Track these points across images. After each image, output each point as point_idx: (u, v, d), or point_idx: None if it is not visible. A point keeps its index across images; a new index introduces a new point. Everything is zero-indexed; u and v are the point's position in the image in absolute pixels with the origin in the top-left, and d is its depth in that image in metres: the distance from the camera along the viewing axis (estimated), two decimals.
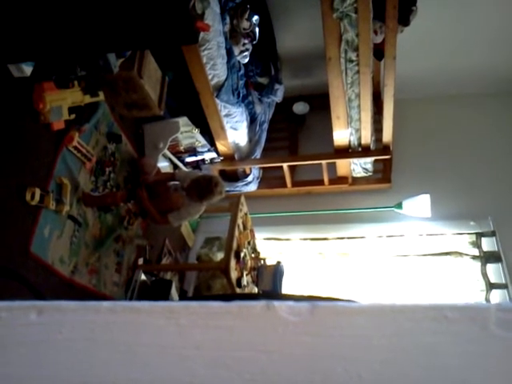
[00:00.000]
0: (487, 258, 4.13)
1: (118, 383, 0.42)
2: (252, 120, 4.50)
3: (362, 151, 4.37)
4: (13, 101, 2.45)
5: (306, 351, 0.40)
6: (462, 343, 0.39)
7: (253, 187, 4.71)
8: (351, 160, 4.48)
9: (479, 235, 4.24)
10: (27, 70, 2.39)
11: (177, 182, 3.37)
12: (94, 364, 0.43)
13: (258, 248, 4.26)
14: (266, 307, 0.42)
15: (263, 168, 4.80)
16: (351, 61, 3.60)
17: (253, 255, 4.01)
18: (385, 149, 4.39)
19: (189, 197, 3.16)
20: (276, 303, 0.42)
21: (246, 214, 3.95)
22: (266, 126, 4.70)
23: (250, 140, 4.56)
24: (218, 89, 3.76)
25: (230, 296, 3.29)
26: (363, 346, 0.40)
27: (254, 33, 4.01)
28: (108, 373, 0.43)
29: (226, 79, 3.77)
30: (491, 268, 4.08)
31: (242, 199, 3.91)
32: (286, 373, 0.40)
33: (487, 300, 3.98)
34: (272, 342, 0.41)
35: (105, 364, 0.43)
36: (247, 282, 3.66)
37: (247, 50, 3.99)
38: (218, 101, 3.84)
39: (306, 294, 3.76)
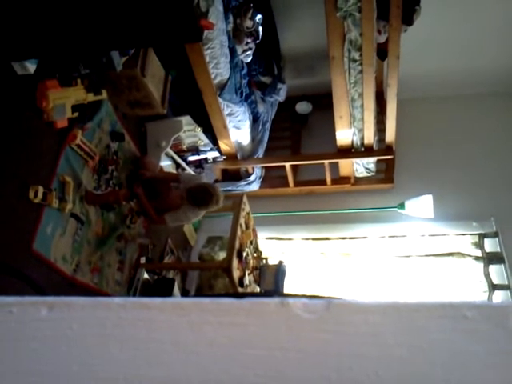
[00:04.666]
0: (490, 258, 4.12)
1: (130, 380, 0.42)
2: (255, 119, 4.50)
3: (365, 151, 4.36)
4: (16, 98, 2.44)
5: (322, 349, 0.40)
6: (480, 342, 0.39)
7: (255, 186, 4.70)
8: (354, 160, 4.47)
9: (482, 236, 4.23)
10: (31, 67, 2.39)
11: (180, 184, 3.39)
12: (105, 360, 0.43)
13: (260, 247, 4.26)
14: (280, 304, 0.42)
15: (266, 167, 4.79)
16: (354, 60, 3.59)
17: (255, 255, 4.01)
18: (388, 149, 4.38)
19: (187, 202, 3.22)
20: (290, 300, 0.42)
21: (248, 214, 3.95)
22: (268, 125, 4.70)
23: (253, 139, 4.56)
24: (221, 88, 3.76)
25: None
26: (380, 343, 0.40)
27: (257, 32, 4.00)
28: (119, 369, 0.42)
29: (228, 78, 3.76)
30: (494, 269, 4.07)
31: (245, 198, 3.91)
32: (301, 371, 0.39)
33: (490, 301, 3.97)
34: (286, 340, 0.41)
35: (116, 360, 0.43)
36: (249, 282, 3.65)
37: (250, 49, 3.98)
38: (220, 100, 3.83)
39: (308, 293, 3.75)
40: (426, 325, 0.40)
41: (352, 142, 4.30)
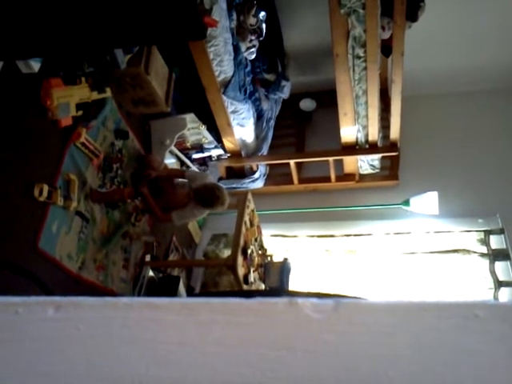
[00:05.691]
0: (495, 255, 4.10)
1: (137, 380, 0.41)
2: (259, 117, 4.49)
3: (370, 148, 4.35)
4: (21, 97, 2.45)
5: (331, 349, 0.39)
6: (492, 342, 0.38)
7: (259, 184, 4.70)
8: (358, 157, 4.46)
9: (487, 233, 4.21)
10: (35, 66, 2.39)
11: (185, 180, 3.39)
12: (112, 361, 0.43)
13: (265, 245, 4.25)
14: (289, 304, 0.41)
15: (270, 165, 4.78)
16: (359, 57, 3.58)
17: (260, 252, 4.00)
18: (392, 146, 4.37)
19: (193, 201, 3.24)
20: (299, 300, 0.41)
21: (252, 211, 3.95)
22: (272, 122, 4.69)
23: (257, 137, 4.55)
24: (225, 85, 3.75)
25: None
26: (389, 343, 0.39)
27: (261, 29, 3.99)
28: (127, 370, 0.42)
29: (232, 75, 3.76)
30: (499, 266, 4.05)
31: (249, 196, 3.90)
32: (310, 371, 0.39)
33: (495, 298, 3.95)
34: (295, 340, 0.40)
35: (123, 361, 0.42)
36: (254, 279, 3.65)
37: (254, 46, 3.97)
38: (224, 97, 3.83)
39: (312, 291, 3.75)
40: (437, 324, 0.39)
41: (356, 138, 4.29)
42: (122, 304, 0.44)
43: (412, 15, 3.60)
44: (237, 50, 3.75)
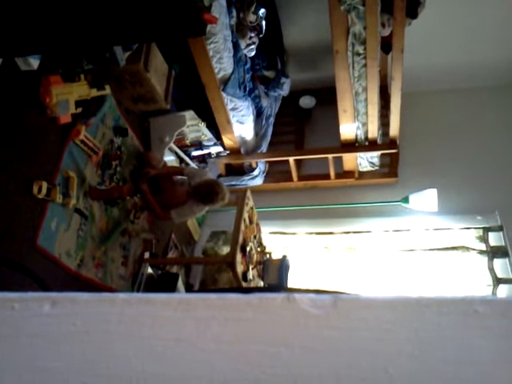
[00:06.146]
0: (494, 252, 4.10)
1: (134, 377, 0.41)
2: (258, 114, 4.49)
3: (369, 145, 4.34)
4: (20, 94, 2.44)
5: (330, 345, 0.39)
6: (492, 338, 0.38)
7: (259, 181, 4.70)
8: (358, 154, 4.45)
9: (486, 230, 4.21)
10: (34, 63, 2.38)
11: (185, 178, 3.39)
12: (109, 357, 0.42)
13: (264, 242, 4.25)
14: (287, 300, 0.41)
15: (269, 162, 4.78)
16: (358, 54, 3.57)
17: (258, 249, 4.00)
18: (392, 143, 4.36)
19: (193, 198, 3.24)
20: (297, 296, 0.41)
21: (251, 208, 3.94)
22: (272, 119, 4.68)
23: (257, 134, 4.55)
24: (225, 82, 3.75)
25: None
26: (389, 339, 0.39)
27: (261, 26, 3.98)
28: (123, 366, 0.42)
29: (232, 73, 3.75)
30: (498, 263, 4.06)
31: (248, 193, 3.90)
32: (308, 367, 0.39)
33: (494, 295, 3.96)
34: (294, 336, 0.40)
35: (120, 357, 0.42)
36: (253, 276, 3.65)
37: (254, 43, 3.97)
38: (224, 94, 3.82)
39: (312, 288, 3.75)
40: (436, 320, 0.39)
41: (356, 136, 4.28)
42: (118, 300, 0.44)
43: (412, 12, 3.58)
44: (236, 47, 3.74)
